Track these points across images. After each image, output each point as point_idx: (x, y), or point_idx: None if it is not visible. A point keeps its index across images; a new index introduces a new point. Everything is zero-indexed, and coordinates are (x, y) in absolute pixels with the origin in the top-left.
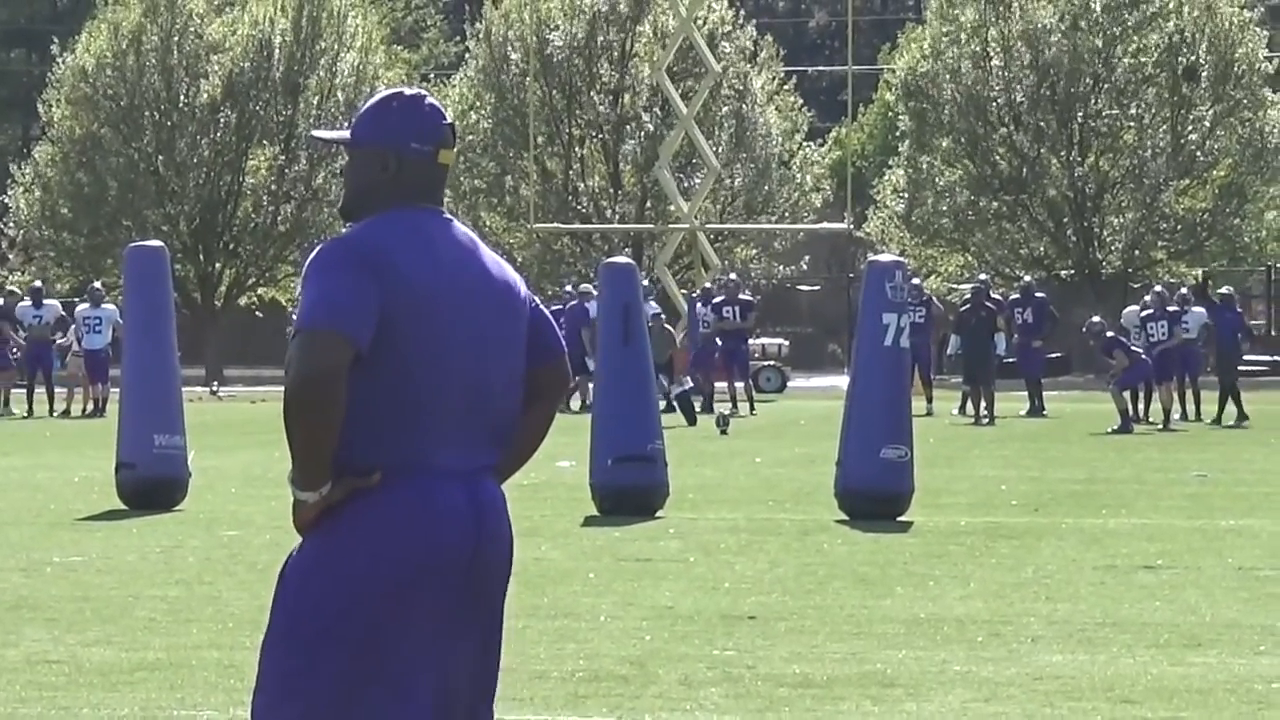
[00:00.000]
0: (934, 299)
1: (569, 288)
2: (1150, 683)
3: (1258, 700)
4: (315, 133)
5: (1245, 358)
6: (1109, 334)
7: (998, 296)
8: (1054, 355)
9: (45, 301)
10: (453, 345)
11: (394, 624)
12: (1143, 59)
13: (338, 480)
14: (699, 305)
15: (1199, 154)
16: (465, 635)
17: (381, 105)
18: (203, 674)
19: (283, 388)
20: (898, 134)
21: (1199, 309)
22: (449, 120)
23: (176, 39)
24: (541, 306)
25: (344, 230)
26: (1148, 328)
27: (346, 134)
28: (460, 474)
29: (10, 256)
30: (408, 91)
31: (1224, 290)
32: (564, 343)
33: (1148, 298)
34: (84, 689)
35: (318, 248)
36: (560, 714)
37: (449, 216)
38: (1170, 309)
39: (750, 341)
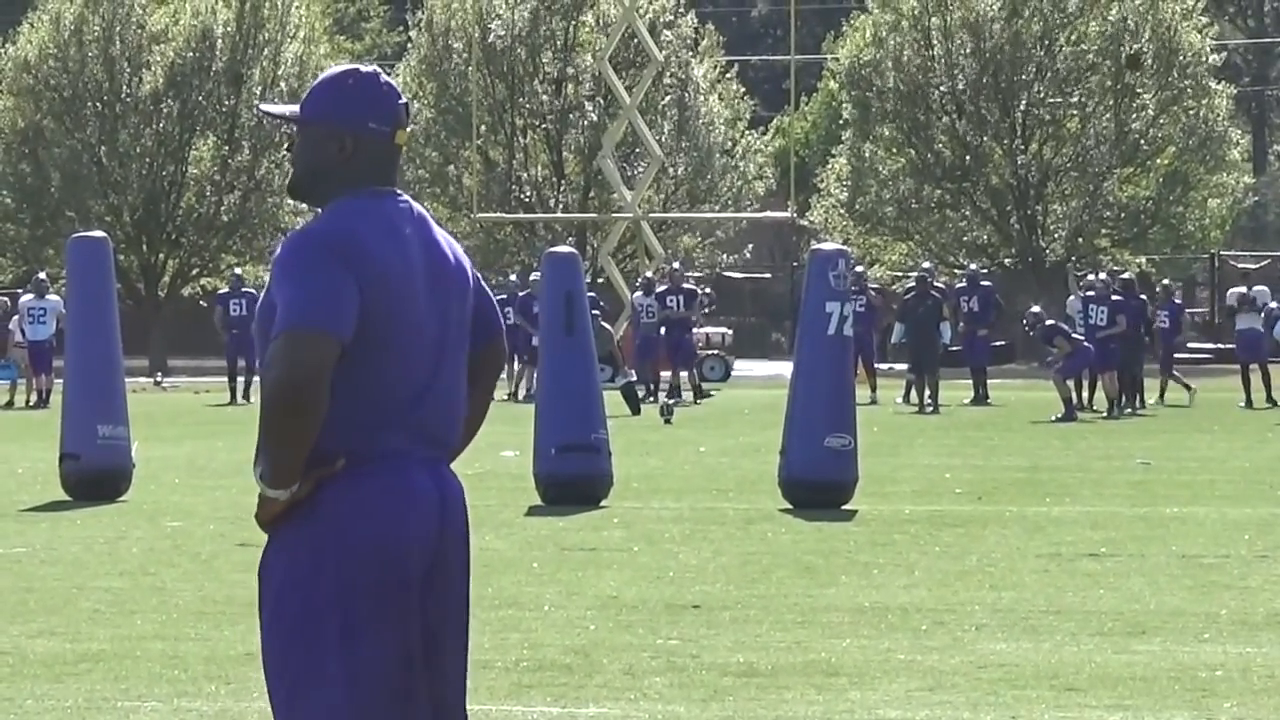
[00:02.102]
0: (869, 287)
1: (513, 277)
2: (1094, 670)
3: (1201, 688)
4: (264, 106)
5: (1189, 345)
6: (1049, 322)
7: (942, 285)
8: (999, 344)
9: None
10: (423, 330)
11: (376, 603)
12: (1085, 47)
13: (305, 474)
14: (640, 295)
15: (1142, 142)
16: (438, 618)
17: (336, 82)
18: (147, 665)
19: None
20: (841, 122)
21: (1143, 296)
22: (404, 100)
23: (119, 29)
24: (482, 281)
25: (308, 221)
26: (1089, 310)
27: (296, 109)
28: (425, 460)
29: None
30: (364, 69)
31: (1125, 276)
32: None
33: (1091, 278)
34: (28, 680)
35: (284, 240)
36: (504, 704)
37: (404, 197)
38: (1114, 296)
39: (694, 330)
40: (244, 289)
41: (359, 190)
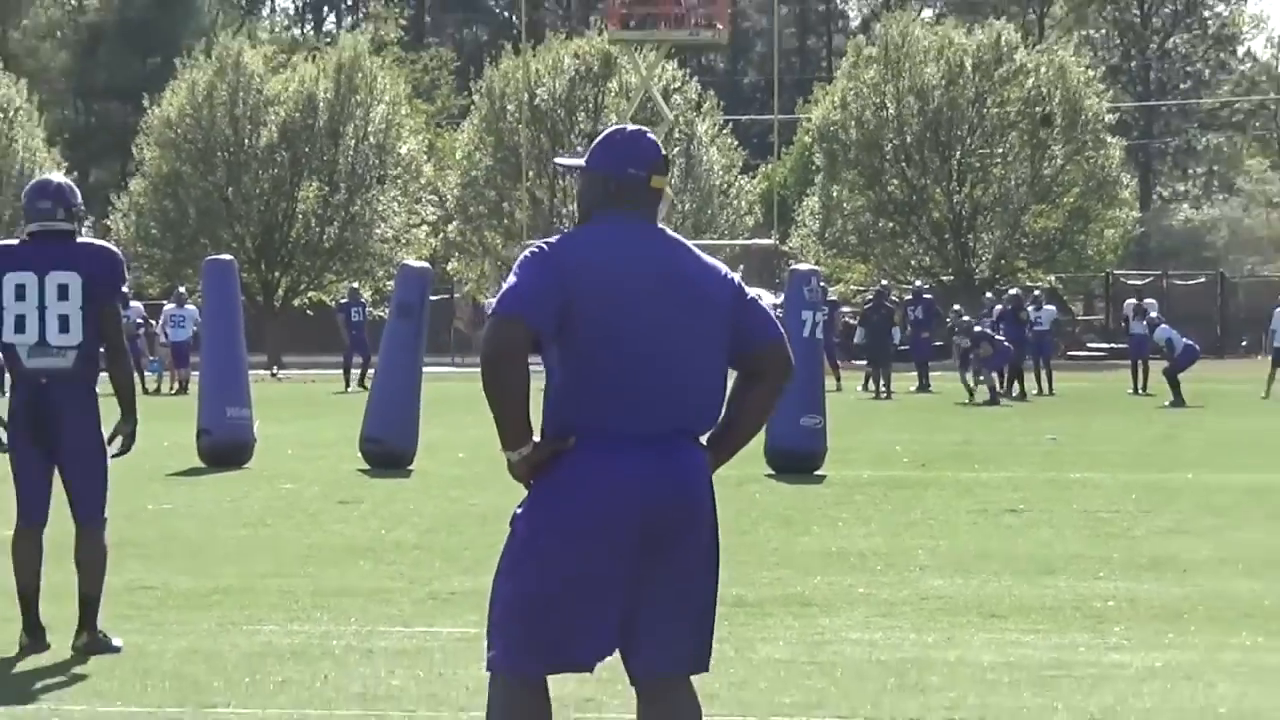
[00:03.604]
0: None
1: None
2: (1013, 601)
3: (1096, 615)
4: (558, 160)
5: (1089, 343)
6: (976, 328)
7: (895, 298)
8: (937, 344)
9: (132, 304)
10: (635, 329)
11: (578, 561)
12: (1007, 109)
13: (538, 443)
14: None
15: (1052, 184)
16: (653, 572)
17: (608, 139)
18: (265, 597)
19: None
20: (813, 169)
21: (1050, 307)
22: (664, 153)
23: (241, 94)
24: (754, 298)
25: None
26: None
27: (582, 161)
28: (647, 438)
29: None
30: (629, 129)
31: (1013, 291)
32: (781, 329)
33: (1007, 295)
34: (173, 609)
35: (525, 250)
36: None
37: (656, 227)
38: (1009, 309)
39: None
40: (360, 300)
41: (606, 218)
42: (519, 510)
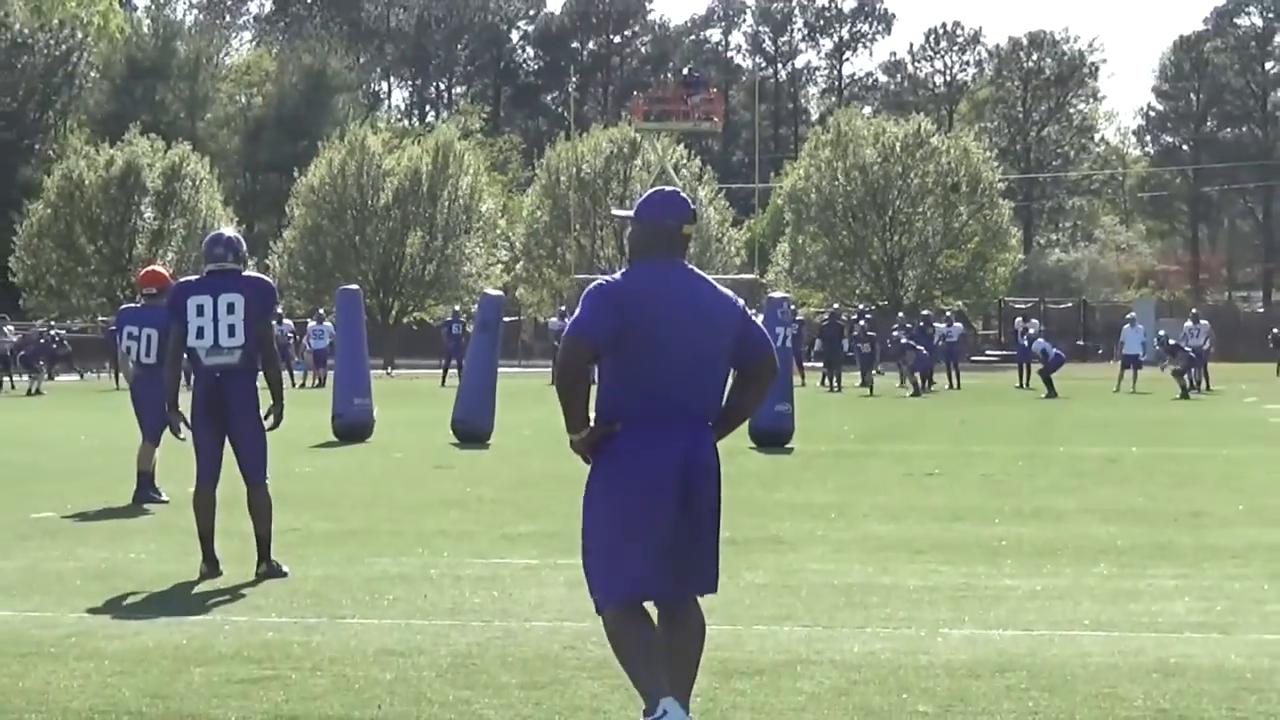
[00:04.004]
0: (794, 318)
1: None
2: (931, 540)
3: (993, 550)
4: (614, 211)
5: (987, 351)
6: (904, 340)
7: (844, 317)
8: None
9: (284, 321)
10: (671, 346)
11: (637, 510)
12: (926, 179)
13: (593, 427)
14: None
15: (959, 234)
16: (685, 515)
17: (650, 197)
18: (380, 537)
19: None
20: (784, 223)
21: (958, 324)
22: (692, 206)
23: (365, 168)
24: (755, 321)
25: (606, 276)
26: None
27: (631, 213)
28: (676, 420)
29: None
30: (666, 189)
31: (924, 313)
32: (772, 344)
33: (919, 316)
34: (313, 546)
35: (591, 284)
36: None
37: (683, 264)
38: (929, 325)
39: None
40: (460, 319)
41: (649, 259)
42: (588, 484)
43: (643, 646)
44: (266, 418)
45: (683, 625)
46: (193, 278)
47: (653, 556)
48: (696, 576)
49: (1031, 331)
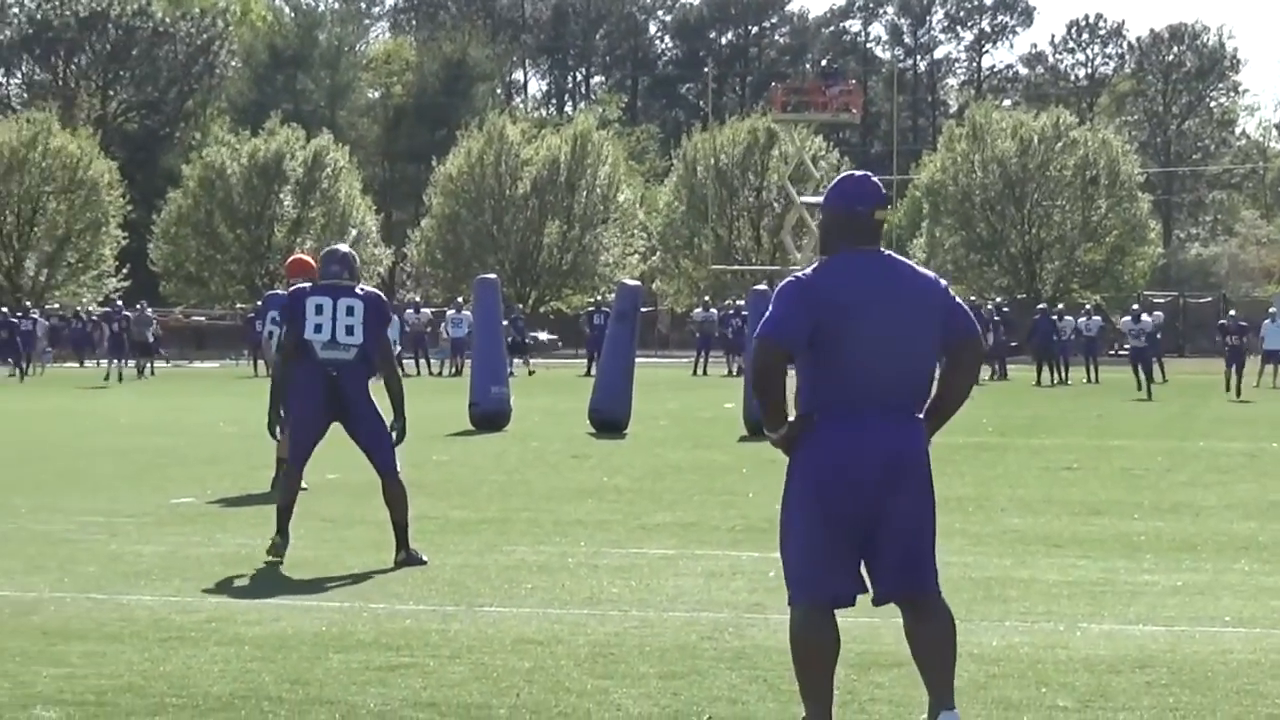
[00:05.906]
0: None
1: (739, 301)
2: (1070, 535)
3: (1133, 546)
4: (802, 199)
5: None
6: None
7: (982, 311)
8: (1014, 344)
9: (422, 309)
10: (871, 336)
11: (833, 503)
12: (1065, 171)
13: (791, 422)
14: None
15: (1098, 228)
16: (889, 509)
17: (839, 183)
18: (518, 526)
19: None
20: (922, 215)
21: (1097, 318)
22: (884, 191)
23: (503, 157)
24: (960, 304)
25: (799, 270)
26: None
27: (820, 199)
28: (881, 413)
29: (408, 283)
30: (857, 174)
31: (1041, 305)
32: (977, 327)
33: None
34: (450, 534)
35: (783, 281)
36: (725, 550)
37: (882, 251)
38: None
39: None
40: (603, 309)
41: (843, 249)
42: (787, 478)
43: (816, 653)
44: (391, 430)
45: (927, 618)
46: (307, 285)
47: (847, 560)
48: (907, 575)
49: (1148, 321)
